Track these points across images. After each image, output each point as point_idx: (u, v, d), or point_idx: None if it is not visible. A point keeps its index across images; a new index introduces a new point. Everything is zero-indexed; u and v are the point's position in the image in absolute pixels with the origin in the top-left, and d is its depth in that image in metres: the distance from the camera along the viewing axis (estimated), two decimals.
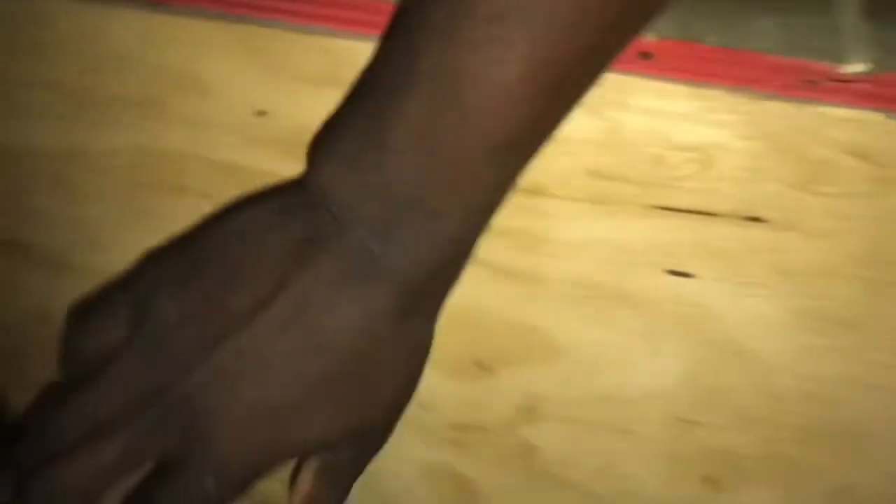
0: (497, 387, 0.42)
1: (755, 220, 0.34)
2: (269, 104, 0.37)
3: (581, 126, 0.33)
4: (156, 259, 0.30)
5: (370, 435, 0.30)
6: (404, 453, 0.47)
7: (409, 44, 0.26)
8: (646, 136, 0.34)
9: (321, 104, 0.36)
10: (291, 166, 0.39)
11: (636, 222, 0.36)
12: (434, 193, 0.26)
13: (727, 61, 0.32)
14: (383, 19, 0.35)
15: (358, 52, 0.35)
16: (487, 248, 0.38)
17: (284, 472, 0.30)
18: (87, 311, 0.30)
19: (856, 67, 0.31)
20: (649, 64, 0.33)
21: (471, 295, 0.40)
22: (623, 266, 0.37)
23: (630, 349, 0.39)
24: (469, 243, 0.28)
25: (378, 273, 0.27)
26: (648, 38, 0.32)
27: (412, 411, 0.44)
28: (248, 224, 0.28)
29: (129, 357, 0.28)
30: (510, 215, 0.35)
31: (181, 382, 0.27)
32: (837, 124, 0.31)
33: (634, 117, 0.33)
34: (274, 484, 0.29)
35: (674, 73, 0.32)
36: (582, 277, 0.38)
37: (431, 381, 0.43)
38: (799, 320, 0.36)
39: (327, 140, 0.28)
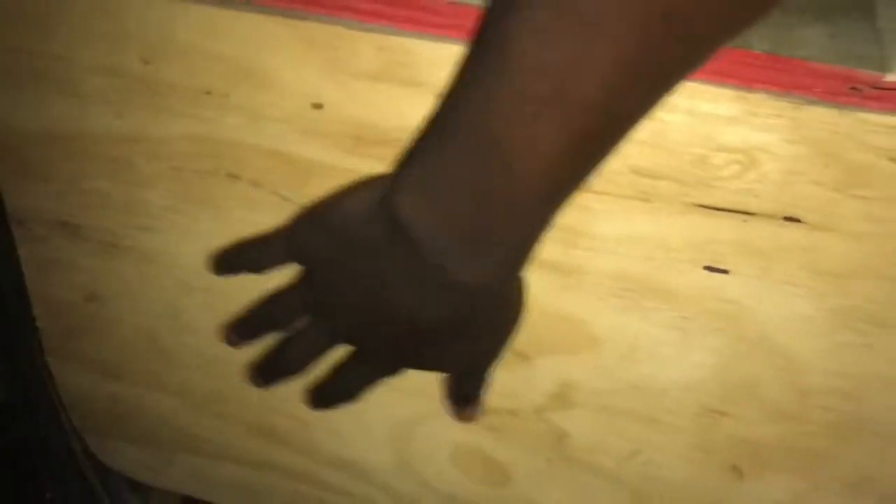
0: (532, 374, 0.44)
1: (793, 220, 0.35)
2: (324, 98, 0.38)
3: None
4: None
5: (488, 357, 0.41)
6: (439, 436, 0.48)
7: (466, 113, 0.31)
8: (690, 136, 0.35)
9: (375, 99, 0.38)
10: (343, 158, 0.40)
11: (676, 219, 0.37)
12: (485, 233, 0.32)
13: (774, 67, 0.33)
14: (437, 19, 0.36)
15: (411, 49, 0.37)
16: None
17: None
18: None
19: None
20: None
21: None
22: (661, 261, 0.38)
23: (664, 341, 0.41)
24: (522, 259, 0.34)
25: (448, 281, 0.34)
26: None
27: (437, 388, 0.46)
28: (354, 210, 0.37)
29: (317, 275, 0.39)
30: None
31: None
32: (879, 130, 0.32)
33: (681, 118, 0.34)
34: None
35: (721, 77, 0.33)
36: (621, 271, 0.39)
37: None
38: (831, 319, 0.37)
39: (407, 169, 0.34)
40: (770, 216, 0.35)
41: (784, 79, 0.33)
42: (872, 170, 0.33)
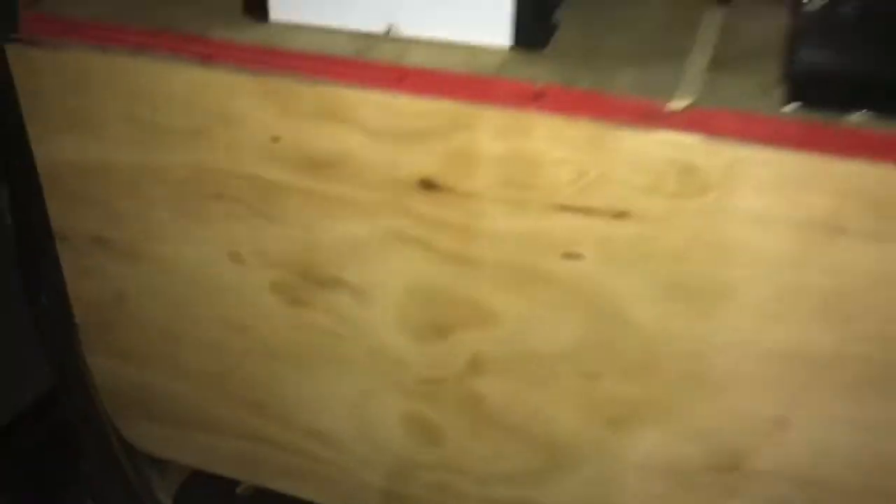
0: (451, 347, 0.55)
1: (624, 214, 0.47)
2: (281, 133, 0.52)
3: (491, 148, 0.47)
4: None
5: None
6: (389, 404, 0.60)
7: None
8: (543, 154, 0.47)
9: (318, 133, 0.51)
10: (299, 178, 0.53)
11: (542, 218, 0.49)
12: None
13: (593, 101, 0.45)
14: (358, 71, 0.49)
15: (347, 97, 0.50)
16: (438, 240, 0.52)
17: None
18: None
19: (682, 103, 0.44)
20: (542, 102, 0.46)
21: (427, 277, 0.53)
22: (535, 251, 0.50)
23: (543, 318, 0.52)
24: None
25: None
26: (540, 83, 0.46)
27: (391, 368, 0.58)
28: None
29: None
30: (453, 215, 0.49)
31: None
32: (667, 144, 0.44)
33: (537, 143, 0.46)
34: None
35: (558, 109, 0.45)
36: (508, 261, 0.51)
37: (402, 344, 0.57)
38: (665, 292, 0.48)
39: None
40: (605, 212, 0.47)
41: (601, 109, 0.45)
42: (666, 174, 0.44)
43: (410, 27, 0.50)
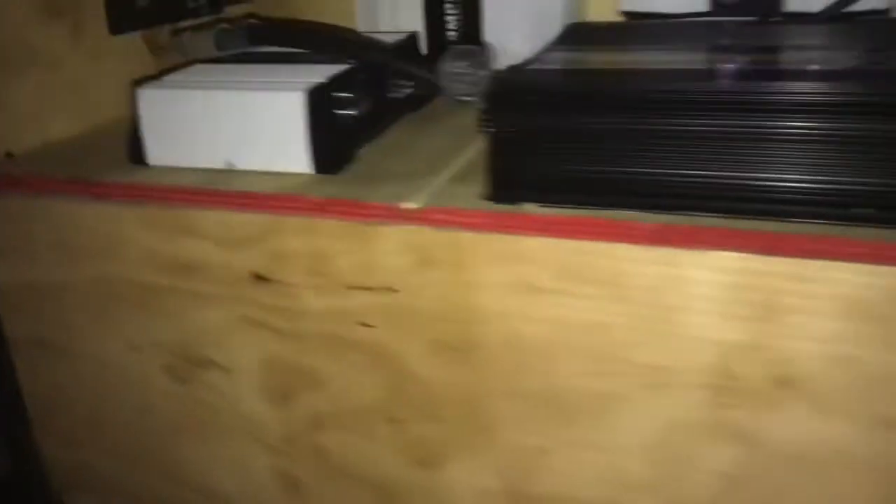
0: (297, 409, 0.69)
1: (391, 289, 0.62)
2: (157, 246, 0.69)
3: (296, 246, 0.63)
4: None
5: None
6: (261, 461, 0.74)
7: None
8: (330, 248, 0.62)
9: (184, 246, 0.68)
10: (171, 280, 0.69)
11: (339, 297, 0.64)
12: None
13: (358, 208, 0.61)
14: (220, 198, 0.66)
15: (199, 217, 0.66)
16: (274, 321, 0.67)
17: None
18: None
19: (413, 205, 0.59)
20: (325, 211, 0.62)
21: (272, 352, 0.68)
22: (341, 323, 0.65)
23: (353, 377, 0.66)
24: None
25: None
26: (326, 198, 0.62)
27: (258, 431, 0.72)
28: None
29: None
30: (281, 300, 0.65)
31: None
32: (405, 235, 0.59)
33: (323, 241, 0.62)
34: None
35: (335, 215, 0.62)
36: (324, 331, 0.66)
37: (263, 409, 0.71)
38: (433, 348, 0.62)
39: None
40: (380, 288, 0.62)
41: (363, 212, 0.61)
42: (411, 256, 0.60)
43: (242, 163, 0.67)
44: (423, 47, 0.86)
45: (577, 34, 0.72)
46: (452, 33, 0.82)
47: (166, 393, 0.74)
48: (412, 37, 0.81)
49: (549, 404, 0.60)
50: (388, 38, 0.78)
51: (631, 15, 0.78)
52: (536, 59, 0.65)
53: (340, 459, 0.70)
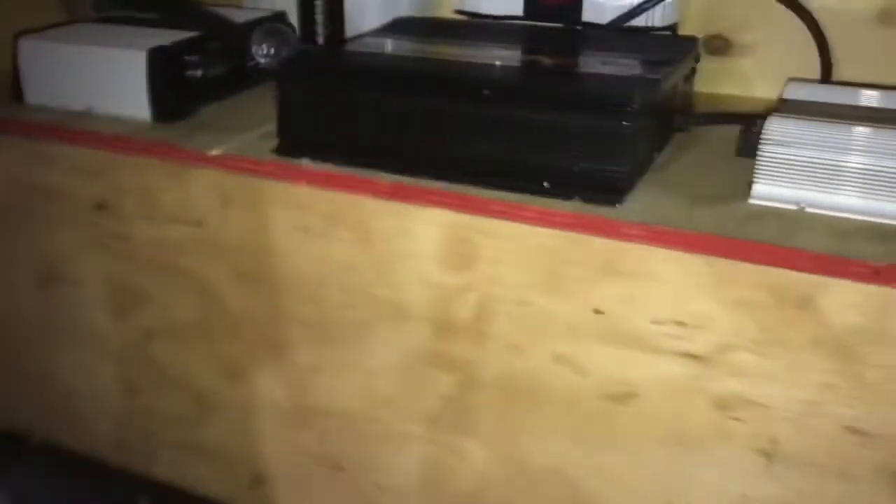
0: (133, 322, 0.81)
1: (199, 223, 0.73)
2: (21, 174, 0.80)
3: (131, 182, 0.75)
4: None
5: None
6: (99, 367, 0.86)
7: None
8: (157, 185, 0.74)
9: (43, 174, 0.79)
10: (32, 204, 0.81)
11: (162, 227, 0.75)
12: None
13: (178, 152, 0.72)
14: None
15: (57, 150, 0.78)
16: (114, 244, 0.78)
17: None
18: None
19: (216, 152, 0.71)
20: (155, 152, 0.73)
21: (114, 272, 0.80)
22: (164, 252, 0.76)
23: (178, 298, 0.78)
24: None
25: None
26: (157, 141, 0.74)
27: (101, 339, 0.84)
28: None
29: None
30: (118, 227, 0.77)
31: None
32: (209, 178, 0.70)
33: (150, 180, 0.74)
34: None
35: (160, 156, 0.73)
36: (153, 258, 0.77)
37: (105, 321, 0.83)
38: (237, 278, 0.74)
39: None
40: (191, 222, 0.74)
41: (180, 155, 0.72)
42: (212, 196, 0.71)
43: (99, 108, 0.79)
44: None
45: (399, 26, 0.83)
46: (320, 17, 0.92)
47: (30, 304, 0.86)
48: (279, 16, 0.91)
49: (321, 330, 0.72)
50: (252, 16, 0.88)
51: (461, 13, 0.88)
52: (347, 42, 0.76)
53: (168, 369, 0.82)
